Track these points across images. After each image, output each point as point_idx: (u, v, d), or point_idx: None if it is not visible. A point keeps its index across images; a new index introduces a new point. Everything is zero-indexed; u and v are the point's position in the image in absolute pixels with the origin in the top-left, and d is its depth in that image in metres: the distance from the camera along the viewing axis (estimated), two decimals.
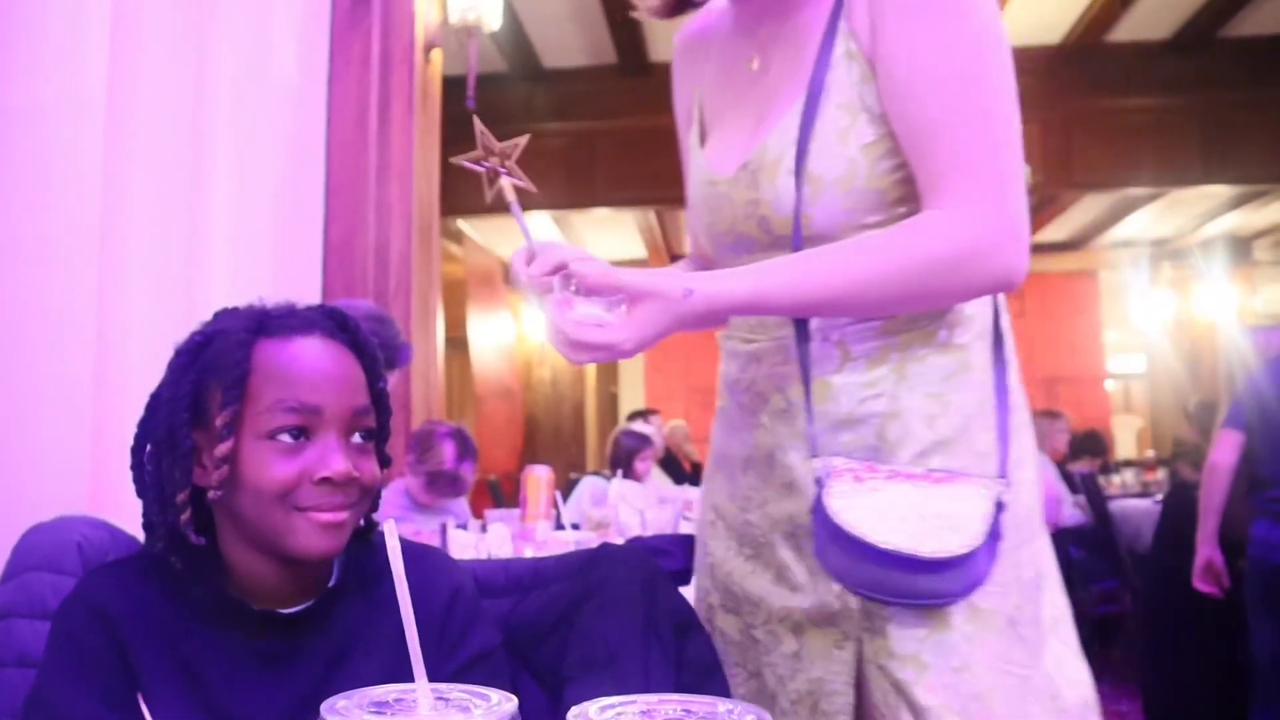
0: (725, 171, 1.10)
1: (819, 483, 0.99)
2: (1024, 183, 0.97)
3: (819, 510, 0.98)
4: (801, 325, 1.04)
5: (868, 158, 1.01)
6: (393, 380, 2.65)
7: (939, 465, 1.02)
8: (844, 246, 1.00)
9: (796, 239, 1.02)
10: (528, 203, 1.05)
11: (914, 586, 0.95)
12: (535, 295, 1.01)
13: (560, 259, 0.97)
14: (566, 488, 4.15)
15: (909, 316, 1.04)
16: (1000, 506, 0.97)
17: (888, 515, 0.95)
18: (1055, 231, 8.97)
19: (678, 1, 1.15)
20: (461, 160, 1.05)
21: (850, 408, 1.04)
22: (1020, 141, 0.98)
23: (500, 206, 1.05)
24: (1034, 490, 1.07)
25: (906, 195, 1.02)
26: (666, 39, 1.34)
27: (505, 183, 1.05)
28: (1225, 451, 2.99)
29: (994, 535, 0.96)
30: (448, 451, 2.97)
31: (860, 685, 1.03)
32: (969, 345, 1.05)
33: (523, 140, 1.05)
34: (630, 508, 2.86)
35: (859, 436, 1.04)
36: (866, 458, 1.02)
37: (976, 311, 1.07)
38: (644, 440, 4.29)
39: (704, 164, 1.14)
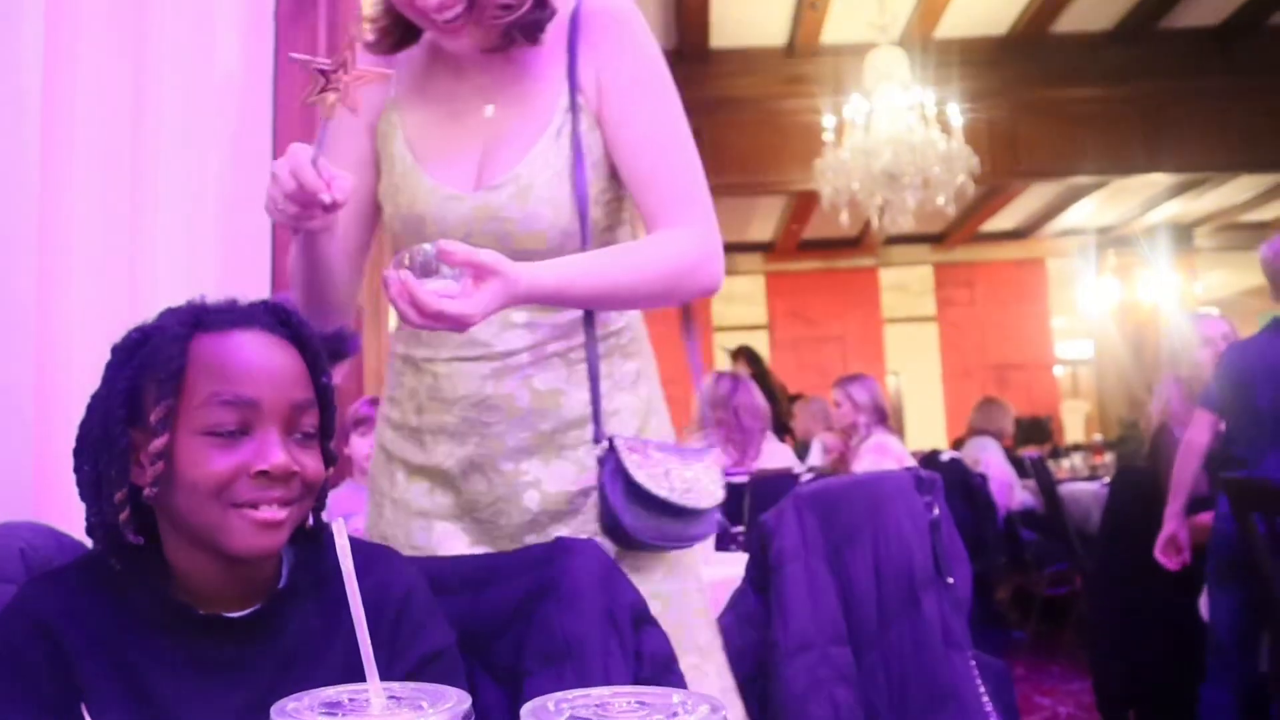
0: (461, 189, 1.27)
1: (613, 453, 1.23)
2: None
3: (620, 477, 1.22)
4: (589, 325, 1.27)
5: (592, 192, 1.26)
6: (344, 377, 2.62)
7: None
8: (622, 250, 1.27)
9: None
10: None
11: (687, 532, 1.27)
12: (284, 203, 1.09)
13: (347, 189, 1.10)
14: None
15: (608, 332, 1.31)
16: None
17: (669, 479, 1.24)
18: (1003, 220, 9.11)
19: (396, 41, 1.35)
20: (306, 59, 1.03)
21: (580, 410, 1.28)
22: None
23: None
24: None
25: (611, 224, 1.32)
26: None
27: (331, 99, 1.02)
28: (1200, 430, 3.00)
29: None
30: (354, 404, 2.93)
31: None
32: (640, 353, 1.36)
33: (374, 76, 1.05)
34: None
35: (584, 432, 1.28)
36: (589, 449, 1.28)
37: (637, 330, 1.37)
38: None
39: (428, 179, 1.28)
